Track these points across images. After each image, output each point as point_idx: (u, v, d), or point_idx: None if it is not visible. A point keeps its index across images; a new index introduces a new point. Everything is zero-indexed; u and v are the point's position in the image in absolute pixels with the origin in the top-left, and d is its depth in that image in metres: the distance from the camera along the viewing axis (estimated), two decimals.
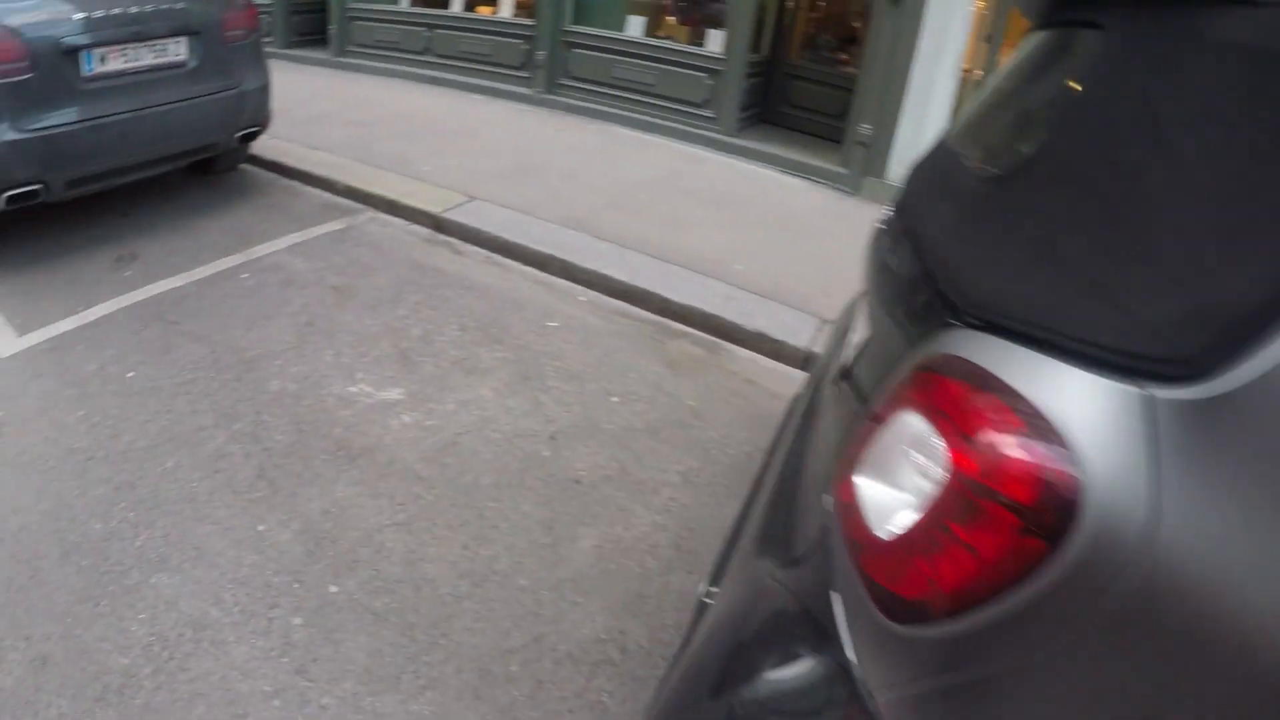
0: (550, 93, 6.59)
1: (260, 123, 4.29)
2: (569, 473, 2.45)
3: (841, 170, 5.28)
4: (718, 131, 5.91)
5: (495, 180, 4.66)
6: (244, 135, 4.22)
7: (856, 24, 6.12)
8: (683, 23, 6.35)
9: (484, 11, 7.10)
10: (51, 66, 3.29)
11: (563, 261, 3.77)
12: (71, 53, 3.36)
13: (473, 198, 4.35)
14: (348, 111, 6.00)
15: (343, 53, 7.77)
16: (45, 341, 2.93)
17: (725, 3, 5.83)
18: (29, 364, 2.79)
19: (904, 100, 4.99)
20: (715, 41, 5.93)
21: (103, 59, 3.49)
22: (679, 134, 5.99)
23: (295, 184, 4.69)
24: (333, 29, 7.70)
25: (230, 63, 4.03)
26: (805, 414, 1.41)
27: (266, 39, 9.16)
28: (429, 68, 7.22)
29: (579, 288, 3.72)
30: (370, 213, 4.34)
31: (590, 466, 2.49)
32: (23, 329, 3.01)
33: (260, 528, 2.13)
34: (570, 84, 6.52)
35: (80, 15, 3.40)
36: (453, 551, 2.11)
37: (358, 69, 7.58)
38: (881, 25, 4.98)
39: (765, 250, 4.11)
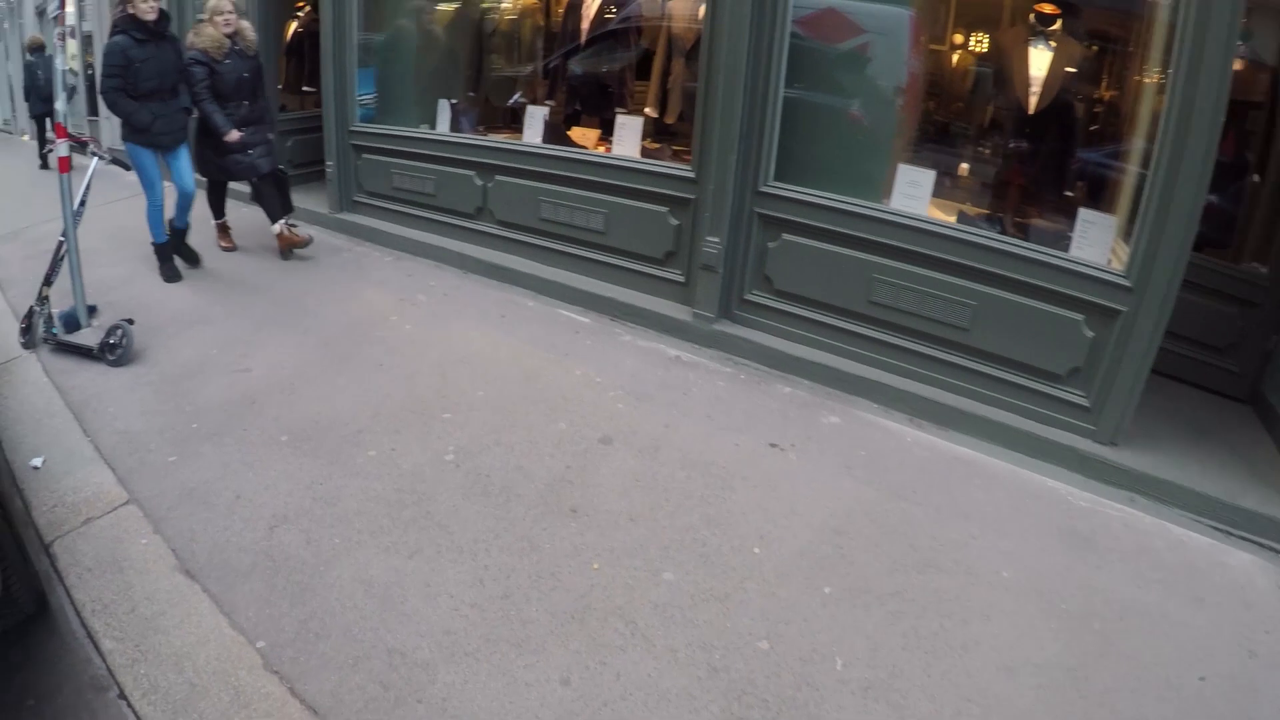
0: (727, 316, 3.37)
1: None
2: None
3: None
4: (1094, 438, 2.64)
5: None
6: None
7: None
8: (1026, 206, 3.11)
9: (580, 137, 3.94)
10: None
11: None
12: None
13: None
14: (354, 389, 2.89)
15: (347, 205, 4.76)
16: None
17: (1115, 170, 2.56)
18: None
19: None
20: (1094, 241, 2.68)
21: None
22: (1011, 438, 2.76)
23: None
24: (330, 166, 4.70)
25: None
26: None
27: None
28: (483, 242, 4.12)
29: None
30: None
31: None
32: None
33: None
34: (764, 303, 3.30)
35: None
36: None
37: (373, 236, 4.55)
38: None
39: None
